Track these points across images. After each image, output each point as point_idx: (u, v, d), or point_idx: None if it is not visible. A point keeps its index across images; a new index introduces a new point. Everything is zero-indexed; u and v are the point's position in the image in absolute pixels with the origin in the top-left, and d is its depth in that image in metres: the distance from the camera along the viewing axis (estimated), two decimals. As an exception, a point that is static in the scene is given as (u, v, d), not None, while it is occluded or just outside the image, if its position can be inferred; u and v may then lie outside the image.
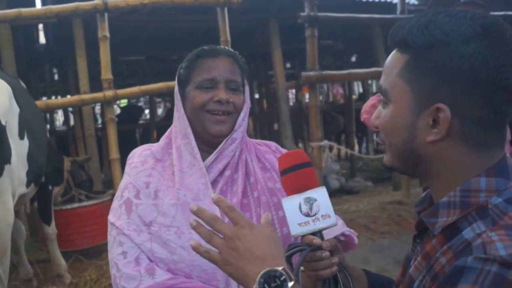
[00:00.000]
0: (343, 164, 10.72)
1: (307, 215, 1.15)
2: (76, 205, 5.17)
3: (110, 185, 6.43)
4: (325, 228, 1.16)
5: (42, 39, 9.51)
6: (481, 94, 0.87)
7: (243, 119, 1.51)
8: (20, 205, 4.17)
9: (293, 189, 1.19)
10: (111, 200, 5.79)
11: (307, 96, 10.82)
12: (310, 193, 1.17)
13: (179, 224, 1.39)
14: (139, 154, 1.55)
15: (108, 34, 4.76)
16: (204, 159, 1.48)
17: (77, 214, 5.14)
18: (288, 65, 12.63)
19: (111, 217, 1.47)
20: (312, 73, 5.56)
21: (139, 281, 1.34)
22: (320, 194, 1.17)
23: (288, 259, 1.13)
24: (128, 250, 1.39)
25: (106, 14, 4.73)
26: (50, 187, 4.56)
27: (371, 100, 2.92)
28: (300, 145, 11.97)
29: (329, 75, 5.87)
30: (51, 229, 4.55)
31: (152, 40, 8.88)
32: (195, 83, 1.47)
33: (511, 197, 0.88)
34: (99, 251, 5.19)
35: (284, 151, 1.61)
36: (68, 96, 8.45)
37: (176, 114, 1.53)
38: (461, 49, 0.87)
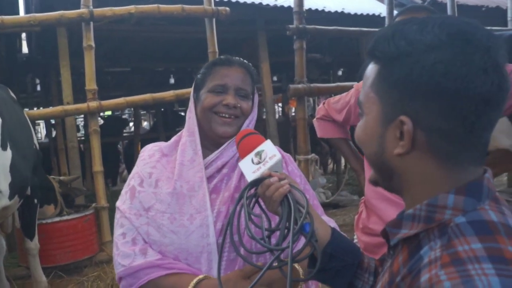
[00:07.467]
0: (329, 178, 10.67)
1: (258, 163, 1.31)
2: (57, 219, 4.98)
3: (92, 199, 6.29)
4: (273, 165, 1.29)
5: (24, 49, 9.39)
6: (445, 105, 0.82)
7: (247, 125, 1.65)
8: (4, 218, 4.01)
9: (246, 152, 1.35)
10: (93, 213, 5.59)
11: (293, 109, 10.80)
12: (258, 148, 1.33)
13: (173, 211, 1.56)
14: (149, 149, 1.74)
15: (93, 44, 4.67)
16: (207, 156, 1.64)
17: (58, 228, 4.95)
18: (275, 78, 12.61)
19: (118, 202, 1.65)
20: (300, 85, 5.52)
21: (133, 259, 1.52)
22: (266, 145, 1.34)
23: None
24: (127, 231, 1.57)
25: (91, 23, 4.64)
26: (35, 201, 4.34)
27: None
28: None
29: (317, 88, 5.85)
30: (34, 244, 4.35)
31: (138, 51, 8.80)
32: (208, 87, 1.62)
33: (476, 220, 0.82)
34: (80, 266, 5.03)
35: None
36: (51, 107, 8.30)
37: (187, 115, 1.68)
38: (423, 59, 0.83)
